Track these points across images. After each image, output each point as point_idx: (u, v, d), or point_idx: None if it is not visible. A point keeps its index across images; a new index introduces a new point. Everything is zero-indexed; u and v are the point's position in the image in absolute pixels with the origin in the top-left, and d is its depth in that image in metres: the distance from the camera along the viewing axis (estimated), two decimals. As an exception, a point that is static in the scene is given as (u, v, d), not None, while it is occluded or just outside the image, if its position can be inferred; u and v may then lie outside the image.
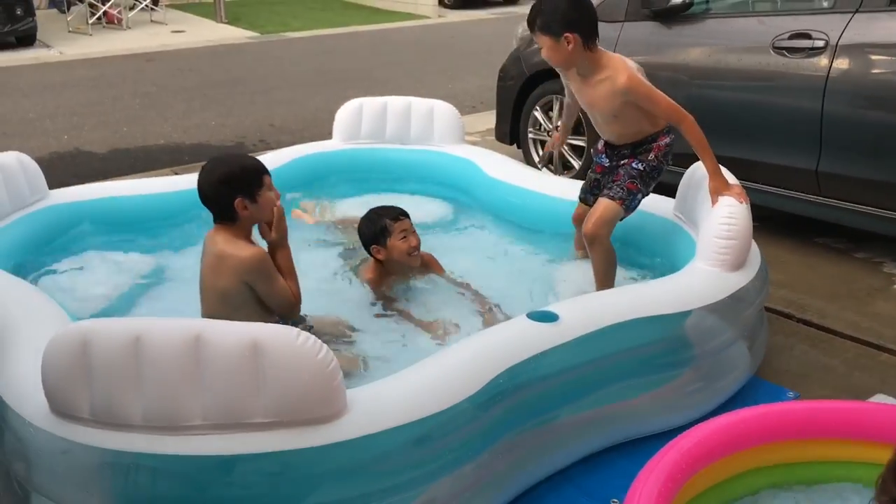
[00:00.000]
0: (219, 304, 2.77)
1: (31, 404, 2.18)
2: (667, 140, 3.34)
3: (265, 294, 2.76)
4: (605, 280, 3.29)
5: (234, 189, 2.74)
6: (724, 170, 3.22)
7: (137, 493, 2.00)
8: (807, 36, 4.07)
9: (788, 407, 2.45)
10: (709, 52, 4.53)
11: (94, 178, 5.36)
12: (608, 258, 3.28)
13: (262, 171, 2.83)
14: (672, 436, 2.28)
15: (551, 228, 3.88)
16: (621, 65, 3.17)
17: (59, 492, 2.12)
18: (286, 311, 2.83)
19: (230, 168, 2.77)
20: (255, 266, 2.72)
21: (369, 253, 3.43)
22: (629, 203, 3.27)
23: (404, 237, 3.37)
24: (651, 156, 3.32)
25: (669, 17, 4.71)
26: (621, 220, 3.30)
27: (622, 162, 3.35)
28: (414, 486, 2.17)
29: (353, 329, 3.15)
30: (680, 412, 2.83)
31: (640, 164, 3.30)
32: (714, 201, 3.11)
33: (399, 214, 3.40)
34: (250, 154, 3.09)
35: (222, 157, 2.88)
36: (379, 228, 3.36)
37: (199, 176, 2.80)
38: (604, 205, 3.25)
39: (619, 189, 3.26)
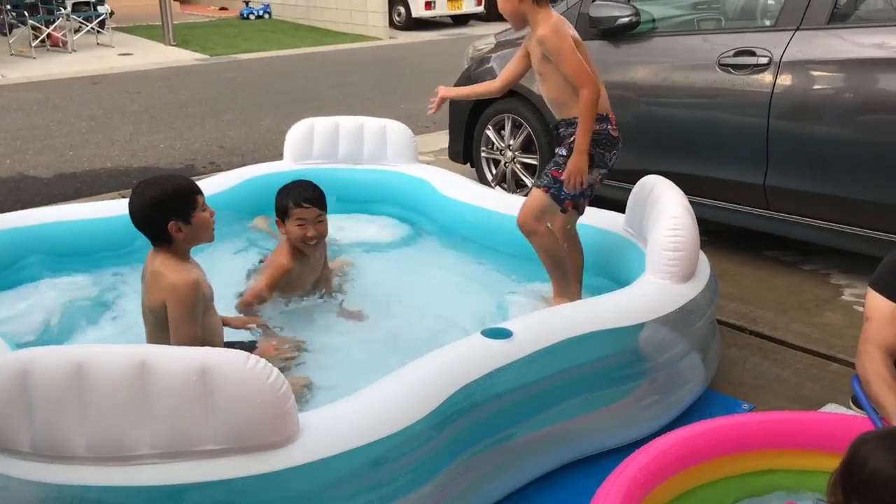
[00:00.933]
0: (153, 326, 2.73)
1: (-32, 438, 2.09)
2: (596, 127, 3.13)
3: (171, 321, 2.66)
4: (552, 273, 3.27)
5: (166, 212, 2.68)
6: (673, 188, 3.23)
7: (82, 527, 1.93)
8: (751, 53, 4.15)
9: (744, 419, 2.46)
10: (656, 70, 4.60)
11: (39, 203, 5.23)
12: (546, 250, 3.24)
13: (194, 191, 2.77)
14: (629, 451, 2.28)
15: (506, 246, 3.88)
16: (552, 18, 3.11)
17: (-2, 530, 2.04)
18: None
19: (161, 190, 2.71)
20: (178, 292, 2.64)
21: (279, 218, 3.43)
22: (555, 192, 3.16)
23: (301, 225, 3.32)
24: (573, 141, 3.16)
25: (617, 35, 4.77)
26: (564, 212, 3.25)
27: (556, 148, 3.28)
28: (372, 508, 2.13)
29: (301, 349, 3.10)
30: (636, 426, 2.83)
31: (563, 150, 3.21)
32: (567, 180, 3.09)
33: (305, 200, 3.33)
34: (191, 178, 3.04)
35: (152, 180, 2.80)
36: (282, 206, 3.36)
37: (130, 200, 2.74)
38: (531, 194, 3.25)
39: (544, 177, 3.21)
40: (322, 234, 3.39)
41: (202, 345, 2.63)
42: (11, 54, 13.77)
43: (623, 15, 4.66)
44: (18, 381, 1.91)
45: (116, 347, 1.96)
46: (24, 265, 3.69)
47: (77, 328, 3.34)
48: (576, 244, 3.48)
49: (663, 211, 3.08)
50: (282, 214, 3.36)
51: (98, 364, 1.89)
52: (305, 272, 3.46)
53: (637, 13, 4.64)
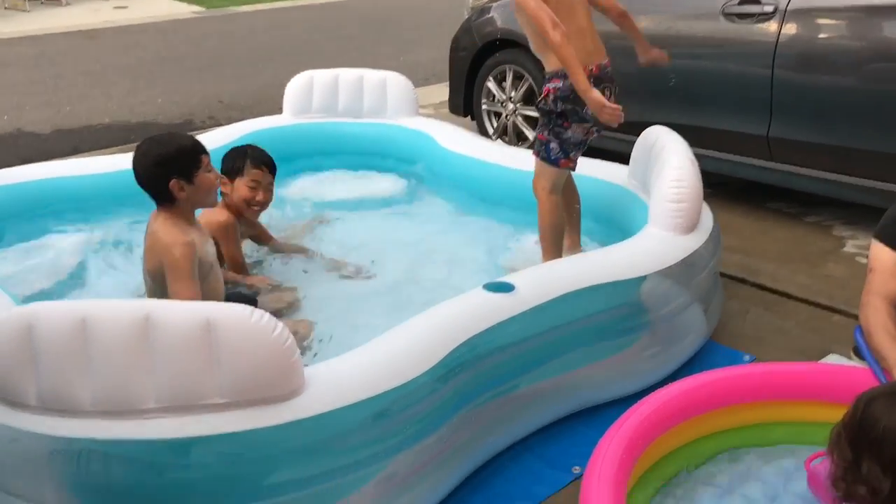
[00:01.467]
0: (152, 289, 2.71)
1: (-25, 393, 2.10)
2: (556, 84, 3.07)
3: (168, 284, 2.62)
4: (545, 244, 3.27)
5: (169, 170, 2.65)
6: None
7: (91, 480, 1.95)
8: (756, 1, 4.09)
9: (745, 370, 2.48)
10: (659, 19, 4.52)
11: (38, 159, 5.16)
12: (547, 224, 3.25)
13: (199, 150, 2.73)
14: (631, 401, 2.30)
15: (508, 199, 3.87)
16: None
17: (9, 482, 2.05)
18: None
19: (165, 149, 2.67)
20: (172, 255, 2.60)
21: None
22: (545, 153, 3.18)
23: (253, 187, 3.27)
24: (542, 99, 3.16)
25: (620, -16, 4.68)
26: (562, 176, 3.25)
27: None
28: (375, 461, 2.15)
29: (298, 303, 3.11)
30: (638, 377, 2.85)
31: (539, 109, 3.20)
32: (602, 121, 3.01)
33: (263, 164, 3.30)
34: (190, 133, 3.01)
35: (156, 137, 2.76)
36: (236, 165, 3.27)
37: (133, 158, 2.71)
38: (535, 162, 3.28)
39: (535, 141, 3.21)
40: (268, 202, 3.35)
41: None
42: (6, 7, 13.59)
43: (627, -37, 4.56)
44: (24, 336, 1.92)
45: (120, 302, 1.96)
46: (27, 221, 3.69)
47: (79, 285, 3.35)
48: (573, 194, 3.47)
49: (667, 162, 3.06)
50: (233, 173, 3.25)
51: (102, 318, 1.89)
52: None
53: (640, -39, 4.55)
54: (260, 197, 3.29)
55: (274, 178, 3.36)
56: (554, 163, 3.20)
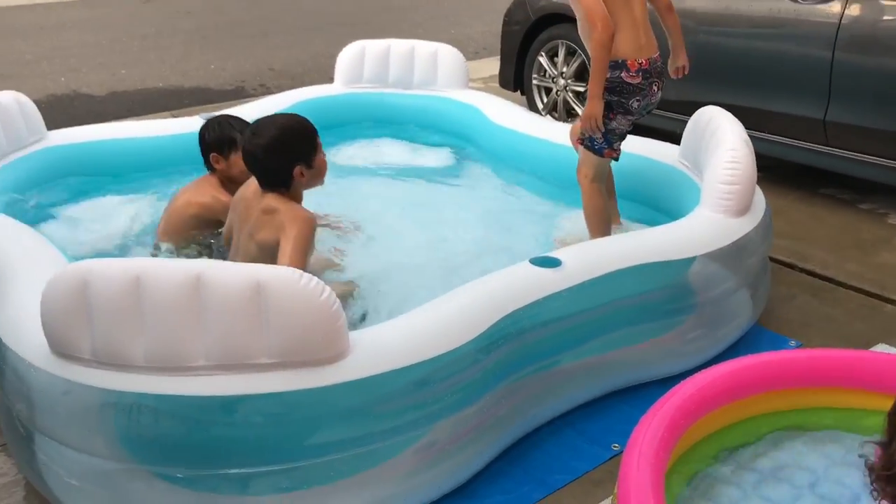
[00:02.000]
0: (255, 257, 2.61)
1: (31, 345, 2.17)
2: (609, 75, 3.06)
3: (284, 256, 2.52)
4: (592, 228, 3.29)
5: (293, 155, 2.56)
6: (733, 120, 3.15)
7: (140, 433, 2.00)
8: (820, -19, 3.98)
9: (791, 355, 2.44)
10: (719, -3, 4.44)
11: (92, 121, 5.28)
12: (591, 210, 3.28)
13: (315, 132, 2.65)
14: (674, 382, 2.28)
15: (555, 176, 3.85)
16: None
17: (61, 432, 2.12)
18: None
19: (287, 132, 2.58)
20: (299, 229, 2.52)
21: (206, 160, 3.20)
22: (589, 143, 3.21)
23: None
24: None
25: (679, -40, 4.60)
26: (605, 165, 3.29)
27: None
28: (415, 427, 2.17)
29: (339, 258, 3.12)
30: (682, 359, 2.83)
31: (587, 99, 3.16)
32: (578, 125, 3.16)
33: None
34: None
35: (271, 121, 2.64)
36: (227, 137, 3.14)
37: (249, 140, 2.59)
38: (581, 151, 3.29)
39: (582, 130, 3.23)
40: None
41: None
42: (64, -29, 13.79)
43: (687, -62, 4.48)
44: (79, 291, 1.97)
45: (173, 261, 2.00)
46: (82, 181, 3.77)
47: (132, 244, 3.41)
48: (611, 180, 3.50)
49: (721, 143, 3.01)
50: (227, 146, 3.14)
51: (156, 276, 1.93)
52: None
53: (702, -64, 4.46)
54: None
55: None
56: (598, 152, 3.22)
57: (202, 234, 3.19)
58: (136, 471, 2.05)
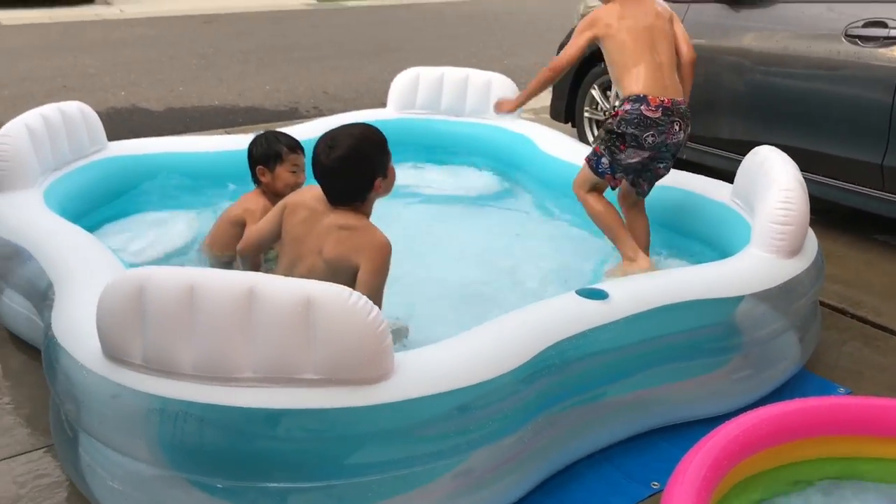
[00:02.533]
0: (324, 273, 2.50)
1: (85, 348, 2.21)
2: (626, 107, 3.25)
3: (364, 282, 2.46)
4: (611, 237, 3.38)
5: (373, 166, 2.46)
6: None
7: (183, 441, 2.02)
8: (882, 24, 3.94)
9: (841, 401, 2.39)
10: (777, 37, 4.41)
11: (149, 135, 5.42)
12: (594, 216, 3.39)
13: (386, 140, 2.56)
14: (717, 422, 2.25)
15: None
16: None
17: (106, 435, 2.15)
18: None
19: (365, 142, 2.49)
20: (383, 255, 2.46)
21: (252, 173, 3.30)
22: (594, 164, 3.36)
23: (294, 171, 3.27)
24: (611, 118, 3.36)
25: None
26: (602, 184, 3.39)
27: None
28: (454, 453, 2.16)
29: None
30: (726, 399, 2.79)
31: (605, 125, 3.38)
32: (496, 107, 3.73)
33: (297, 146, 3.29)
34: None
35: (350, 130, 2.52)
36: (273, 151, 3.24)
37: (326, 154, 2.47)
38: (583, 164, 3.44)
39: (591, 149, 3.42)
40: (302, 183, 3.29)
41: None
42: (130, -11, 14.23)
43: (747, -22, 4.48)
44: (135, 297, 2.01)
45: (228, 273, 2.03)
46: (139, 192, 3.87)
47: (185, 255, 3.48)
48: (640, 216, 3.52)
49: (774, 182, 2.98)
50: (272, 160, 3.23)
51: (209, 287, 1.96)
52: None
53: (762, -23, 4.46)
54: (301, 179, 3.30)
55: (304, 158, 3.32)
56: (599, 174, 3.36)
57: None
58: (176, 478, 2.07)
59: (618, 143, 3.26)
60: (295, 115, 7.09)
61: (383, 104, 4.92)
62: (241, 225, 3.25)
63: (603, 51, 3.40)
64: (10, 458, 2.58)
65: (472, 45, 10.68)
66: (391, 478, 2.10)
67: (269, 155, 3.26)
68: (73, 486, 2.41)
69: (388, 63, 9.12)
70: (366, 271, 2.48)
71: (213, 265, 3.22)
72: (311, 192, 2.67)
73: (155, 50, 9.77)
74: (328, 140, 2.51)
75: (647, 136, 3.22)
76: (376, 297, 2.50)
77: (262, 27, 11.55)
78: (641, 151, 3.26)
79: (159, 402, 2.03)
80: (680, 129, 3.28)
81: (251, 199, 3.30)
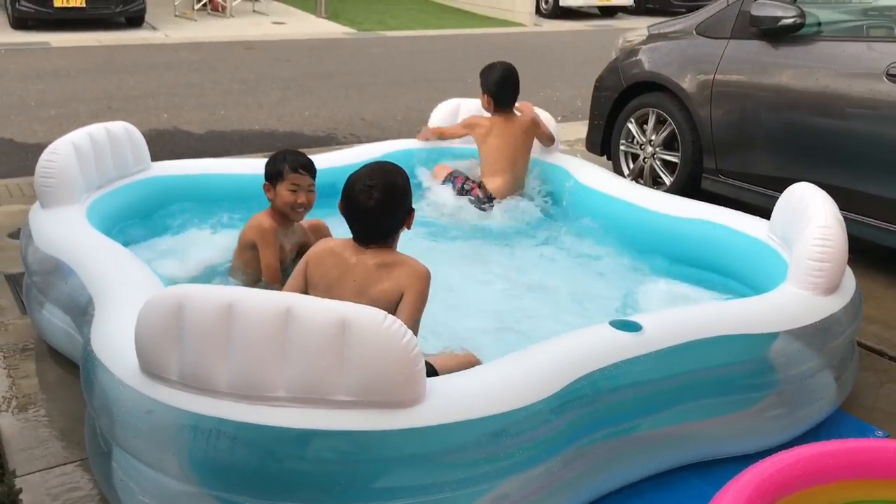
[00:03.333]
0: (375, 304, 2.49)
1: (122, 363, 2.25)
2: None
3: (408, 309, 2.51)
4: None
5: (408, 202, 2.57)
6: None
7: (214, 458, 2.04)
8: (924, 65, 3.91)
9: (880, 444, 2.34)
10: (817, 75, 4.40)
11: (191, 156, 5.52)
12: None
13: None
14: (748, 461, 2.22)
15: (641, 240, 3.84)
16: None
17: (139, 449, 2.17)
18: None
19: (400, 179, 2.55)
20: (424, 282, 2.52)
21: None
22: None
23: (294, 190, 3.30)
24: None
25: (778, 36, 4.59)
26: None
27: None
28: (483, 481, 2.16)
29: None
30: (759, 437, 2.75)
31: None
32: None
33: (301, 167, 3.31)
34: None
35: (382, 168, 2.59)
36: (276, 170, 3.32)
37: (367, 194, 2.49)
38: None
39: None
40: (311, 204, 3.36)
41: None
42: (175, 16, 14.58)
43: (787, 16, 4.48)
44: (174, 314, 2.04)
45: (265, 292, 2.06)
46: (180, 212, 3.94)
47: (223, 276, 3.52)
48: None
49: (812, 219, 2.96)
50: (274, 178, 3.31)
51: (247, 306, 1.99)
52: (285, 241, 3.43)
53: (802, 15, 4.45)
54: (301, 199, 3.33)
55: (314, 180, 3.37)
56: None
57: (251, 265, 3.37)
58: (205, 496, 2.09)
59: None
60: (333, 141, 7.18)
61: (420, 132, 4.96)
62: (251, 247, 3.34)
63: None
64: (44, 469, 2.62)
65: (508, 76, 10.74)
66: (419, 503, 2.10)
67: (272, 173, 3.35)
68: (105, 499, 2.44)
69: (425, 92, 9.21)
70: (408, 300, 2.52)
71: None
72: (328, 242, 2.75)
73: (198, 74, 9.97)
74: (365, 181, 2.53)
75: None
76: (415, 324, 2.53)
77: (301, 55, 11.74)
78: None
79: (193, 418, 2.05)
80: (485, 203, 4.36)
81: (257, 218, 3.37)
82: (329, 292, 2.55)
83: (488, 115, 4.52)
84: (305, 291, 2.65)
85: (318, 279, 2.62)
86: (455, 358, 2.66)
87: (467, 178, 4.48)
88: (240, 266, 3.40)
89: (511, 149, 4.41)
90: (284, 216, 3.36)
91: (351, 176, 2.60)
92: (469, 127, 4.55)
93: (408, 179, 2.64)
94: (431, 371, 2.43)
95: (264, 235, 3.31)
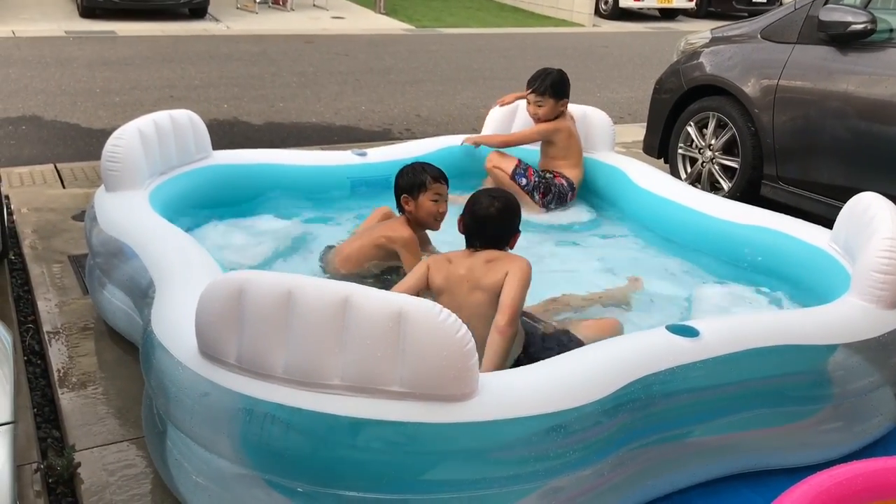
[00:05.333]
0: (488, 303, 2.81)
1: (182, 345, 2.30)
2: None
3: (507, 288, 2.76)
4: None
5: (518, 223, 2.93)
6: None
7: (268, 442, 2.07)
8: None
9: (941, 462, 2.28)
10: (886, 83, 4.29)
11: (249, 146, 5.61)
12: None
13: None
14: (801, 474, 2.17)
15: (698, 244, 3.79)
16: None
17: (193, 429, 2.21)
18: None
19: (517, 202, 2.97)
20: (527, 267, 2.80)
21: (398, 202, 3.39)
22: None
23: (436, 200, 3.34)
24: None
25: (846, 42, 4.49)
26: None
27: None
28: (531, 479, 2.15)
29: None
30: (813, 450, 2.70)
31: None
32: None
33: (441, 177, 3.37)
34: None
35: (501, 191, 3.03)
36: (418, 180, 3.33)
37: (491, 204, 2.88)
38: None
39: None
40: (445, 213, 3.42)
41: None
42: (237, 8, 14.80)
43: (857, 21, 4.38)
44: (235, 298, 2.08)
45: (325, 281, 2.08)
46: (240, 200, 4.01)
47: (281, 264, 3.57)
48: None
49: (878, 231, 2.88)
50: (417, 189, 3.33)
51: (307, 294, 2.02)
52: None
53: (874, 20, 4.34)
54: (443, 208, 3.39)
55: (448, 188, 3.44)
56: None
57: (380, 267, 3.40)
58: (257, 479, 2.12)
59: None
60: (388, 136, 7.22)
61: (475, 130, 4.98)
62: (383, 249, 3.36)
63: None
64: (101, 446, 2.69)
65: (565, 76, 10.69)
66: (466, 497, 2.10)
67: (413, 184, 3.36)
68: (159, 477, 2.49)
69: (481, 90, 9.21)
70: (510, 279, 2.77)
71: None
72: (444, 255, 3.01)
73: (258, 66, 10.11)
74: (489, 196, 2.95)
75: None
76: (518, 302, 2.73)
77: (360, 49, 11.82)
78: None
79: (248, 402, 2.08)
80: None
81: (397, 227, 3.39)
82: (446, 291, 2.86)
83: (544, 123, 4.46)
84: (420, 293, 2.87)
85: (441, 280, 2.89)
86: (599, 323, 3.02)
87: (537, 170, 4.47)
88: (362, 263, 3.40)
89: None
90: (421, 225, 3.41)
91: (473, 195, 3.00)
92: (548, 132, 4.46)
93: (519, 207, 2.97)
94: (577, 342, 2.81)
95: (411, 245, 3.34)
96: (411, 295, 2.83)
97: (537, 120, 4.46)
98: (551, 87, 4.40)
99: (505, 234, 2.92)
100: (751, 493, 2.55)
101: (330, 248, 3.60)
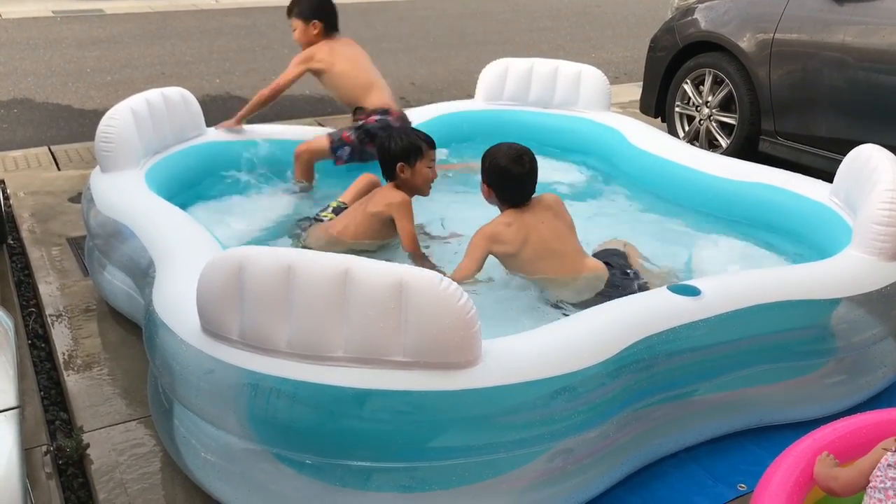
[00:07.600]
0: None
1: (184, 323, 2.30)
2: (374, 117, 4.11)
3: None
4: None
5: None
6: None
7: (274, 416, 2.07)
8: None
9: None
10: (883, 33, 4.24)
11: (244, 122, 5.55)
12: None
13: None
14: (806, 428, 2.19)
15: (697, 203, 3.78)
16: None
17: (199, 406, 2.23)
18: None
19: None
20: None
21: (390, 170, 3.33)
22: (337, 150, 4.05)
23: (431, 166, 3.33)
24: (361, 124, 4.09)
25: (843, -7, 4.44)
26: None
27: None
28: (538, 442, 2.16)
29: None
30: (818, 404, 2.71)
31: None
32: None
33: (433, 143, 3.35)
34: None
35: (516, 145, 3.08)
36: (414, 147, 3.30)
37: (530, 159, 3.01)
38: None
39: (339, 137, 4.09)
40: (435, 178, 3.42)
41: None
42: (225, -20, 14.60)
43: (853, -30, 4.32)
44: (234, 275, 2.07)
45: (324, 254, 2.07)
46: (236, 176, 3.98)
47: (278, 239, 3.56)
48: None
49: (879, 182, 2.87)
50: (414, 156, 3.30)
51: (306, 267, 2.01)
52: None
53: (870, -31, 4.29)
54: (435, 174, 3.38)
55: None
56: (337, 156, 3.96)
57: (376, 244, 3.38)
58: (265, 453, 2.13)
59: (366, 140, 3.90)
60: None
61: (470, 96, 4.94)
62: (383, 219, 3.30)
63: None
64: (109, 426, 2.70)
65: (559, 38, 10.58)
66: (474, 463, 2.12)
67: (409, 150, 3.31)
68: (168, 455, 2.51)
69: (475, 55, 9.11)
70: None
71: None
72: (495, 224, 3.08)
73: (248, 40, 10.00)
74: (511, 154, 3.03)
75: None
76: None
77: (351, 18, 11.67)
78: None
79: (253, 377, 2.08)
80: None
81: (391, 194, 3.34)
82: (529, 243, 3.01)
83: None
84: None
85: (511, 246, 3.01)
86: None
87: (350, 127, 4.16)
88: (374, 237, 3.37)
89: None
90: (412, 191, 3.36)
91: (488, 156, 3.07)
92: (300, 64, 4.46)
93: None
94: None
95: (407, 208, 3.29)
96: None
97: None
98: (298, 5, 4.16)
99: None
100: (756, 449, 2.57)
101: (311, 219, 3.57)
